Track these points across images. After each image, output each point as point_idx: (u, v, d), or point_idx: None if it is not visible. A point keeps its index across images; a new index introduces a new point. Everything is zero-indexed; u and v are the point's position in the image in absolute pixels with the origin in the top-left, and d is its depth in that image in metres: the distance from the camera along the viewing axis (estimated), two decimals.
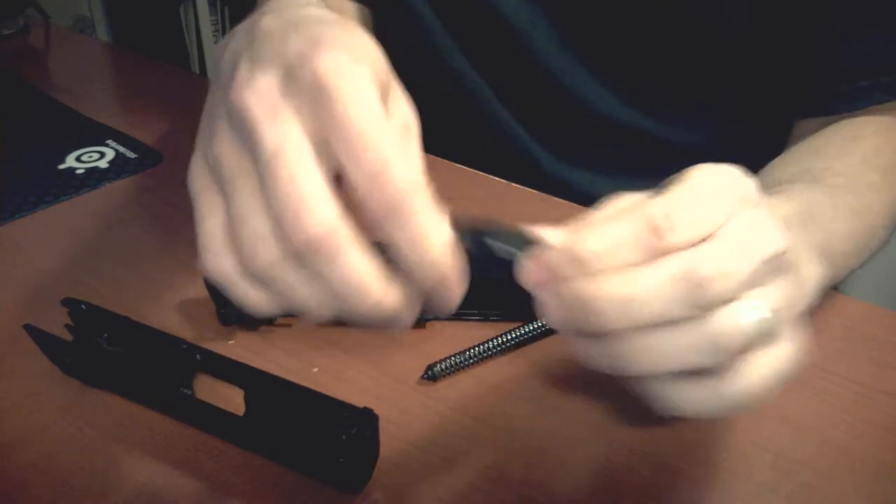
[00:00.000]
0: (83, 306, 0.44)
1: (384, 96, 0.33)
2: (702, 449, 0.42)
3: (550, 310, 0.33)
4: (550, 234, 0.34)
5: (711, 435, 0.44)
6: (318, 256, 0.31)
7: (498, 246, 0.34)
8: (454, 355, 0.47)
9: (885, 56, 0.59)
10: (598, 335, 0.32)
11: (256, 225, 0.32)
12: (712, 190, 0.32)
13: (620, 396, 0.46)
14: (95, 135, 0.74)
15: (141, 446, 0.42)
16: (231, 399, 0.40)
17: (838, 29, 0.60)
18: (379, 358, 0.48)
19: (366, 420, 0.38)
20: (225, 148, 0.33)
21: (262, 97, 0.32)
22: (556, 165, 0.72)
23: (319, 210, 0.31)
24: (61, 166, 0.68)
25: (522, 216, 0.61)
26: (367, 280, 0.32)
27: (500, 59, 0.68)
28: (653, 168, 0.73)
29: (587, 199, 0.68)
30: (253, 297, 0.34)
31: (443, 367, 0.46)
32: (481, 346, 0.47)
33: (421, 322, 0.50)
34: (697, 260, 0.30)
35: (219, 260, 0.34)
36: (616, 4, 0.63)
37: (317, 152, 0.32)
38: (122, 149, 0.71)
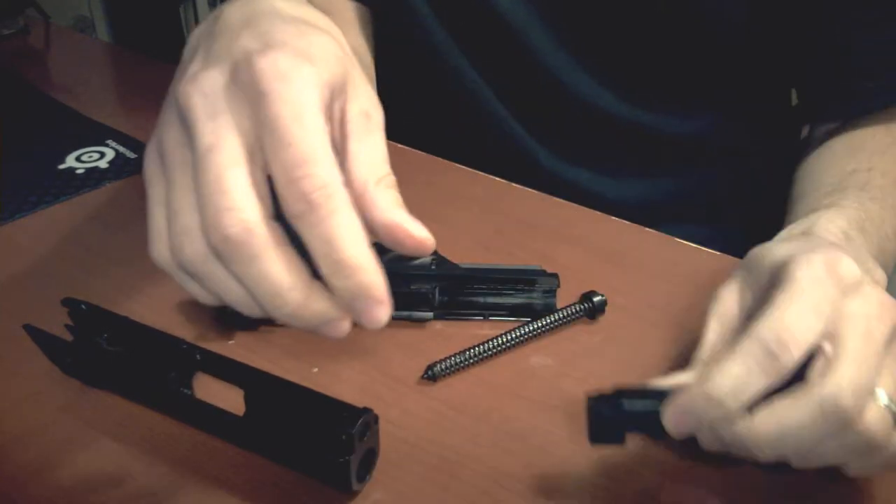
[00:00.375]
0: (83, 306, 0.44)
1: (336, 91, 0.34)
2: (701, 449, 0.42)
3: (709, 444, 0.37)
4: (680, 380, 0.38)
5: None
6: (235, 256, 0.31)
7: (636, 404, 0.37)
8: (454, 355, 0.47)
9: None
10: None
11: (186, 219, 0.32)
12: (813, 295, 0.35)
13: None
14: (95, 135, 0.74)
15: (141, 446, 0.42)
16: (231, 399, 0.40)
17: (850, 27, 0.60)
18: (379, 358, 0.48)
19: (366, 420, 0.38)
20: (170, 139, 0.33)
21: (206, 94, 0.32)
22: (556, 163, 0.72)
23: (239, 210, 0.31)
24: (61, 166, 0.68)
25: (523, 216, 0.61)
26: (283, 285, 0.32)
27: (497, 58, 0.68)
28: (652, 162, 0.73)
29: (587, 196, 0.69)
30: (192, 288, 0.35)
31: (443, 366, 0.46)
32: (481, 346, 0.47)
33: (420, 322, 0.51)
34: (835, 391, 0.33)
35: (161, 249, 0.34)
36: (612, 3, 0.63)
37: (249, 152, 0.32)
38: (122, 149, 0.71)
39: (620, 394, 0.38)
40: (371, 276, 0.32)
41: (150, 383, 0.43)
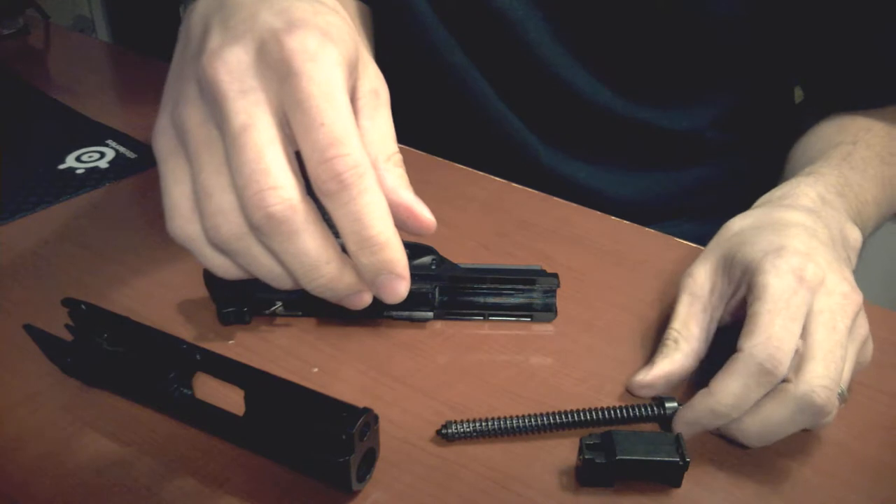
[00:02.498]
0: (83, 306, 0.44)
1: (352, 70, 0.34)
2: (702, 450, 0.42)
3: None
4: (663, 369, 0.45)
5: (711, 436, 0.44)
6: (277, 233, 0.32)
7: (628, 453, 0.39)
8: (472, 422, 0.43)
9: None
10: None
11: (221, 199, 0.33)
12: (789, 306, 0.41)
13: (620, 399, 0.46)
14: (95, 135, 0.74)
15: (141, 446, 0.42)
16: (231, 399, 0.40)
17: (864, 26, 0.61)
18: (379, 358, 0.48)
19: (366, 420, 0.38)
20: (193, 117, 0.33)
21: (233, 71, 0.32)
22: (555, 158, 0.72)
23: (282, 188, 0.32)
24: (61, 166, 0.68)
25: (523, 216, 0.61)
26: (321, 260, 0.33)
27: (496, 54, 0.68)
28: (651, 158, 0.73)
29: (586, 192, 0.69)
30: (218, 263, 0.36)
31: (458, 429, 0.42)
32: (503, 422, 0.43)
33: (420, 322, 0.51)
34: (808, 390, 0.39)
35: (186, 226, 0.35)
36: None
37: (282, 130, 0.32)
38: (122, 149, 0.71)
39: (612, 440, 0.39)
40: (395, 252, 0.33)
41: (150, 383, 0.43)
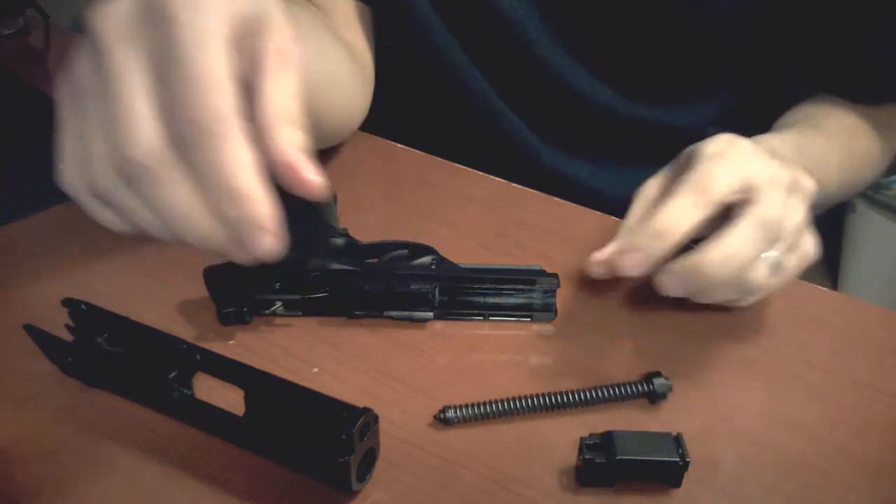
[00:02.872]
0: (83, 306, 0.44)
1: (247, 24, 0.33)
2: (702, 449, 0.42)
3: (669, 284, 0.45)
4: (612, 247, 0.46)
5: (711, 435, 0.44)
6: (141, 182, 0.32)
7: (629, 453, 0.39)
8: (469, 406, 0.44)
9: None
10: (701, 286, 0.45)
11: (96, 145, 0.33)
12: (723, 156, 0.45)
13: (620, 398, 0.46)
14: None
15: (141, 446, 0.42)
16: (231, 399, 0.40)
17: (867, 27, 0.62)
18: (379, 358, 0.48)
19: (366, 420, 0.38)
20: (81, 66, 0.34)
21: (116, 21, 0.32)
22: (557, 158, 0.72)
23: (143, 134, 0.31)
24: None
25: (523, 216, 0.61)
26: (192, 212, 0.32)
27: (497, 54, 0.68)
28: (652, 157, 0.73)
29: (587, 191, 0.69)
30: (105, 217, 0.36)
31: (456, 413, 0.44)
32: (502, 404, 0.44)
33: (420, 322, 0.51)
34: (762, 209, 0.44)
35: (73, 178, 0.35)
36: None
37: (159, 79, 0.32)
38: None
39: (612, 440, 0.39)
40: (258, 205, 0.32)
41: (150, 383, 0.43)
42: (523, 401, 0.44)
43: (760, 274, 0.45)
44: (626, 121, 0.69)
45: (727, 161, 0.45)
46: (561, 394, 0.44)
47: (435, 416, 0.43)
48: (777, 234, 0.45)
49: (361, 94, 0.67)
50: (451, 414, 0.43)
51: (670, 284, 0.45)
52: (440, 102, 0.73)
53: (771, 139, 0.57)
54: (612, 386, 0.45)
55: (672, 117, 0.69)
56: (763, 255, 0.45)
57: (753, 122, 0.73)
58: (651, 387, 0.45)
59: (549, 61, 0.67)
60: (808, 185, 0.50)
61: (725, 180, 0.44)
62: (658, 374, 0.45)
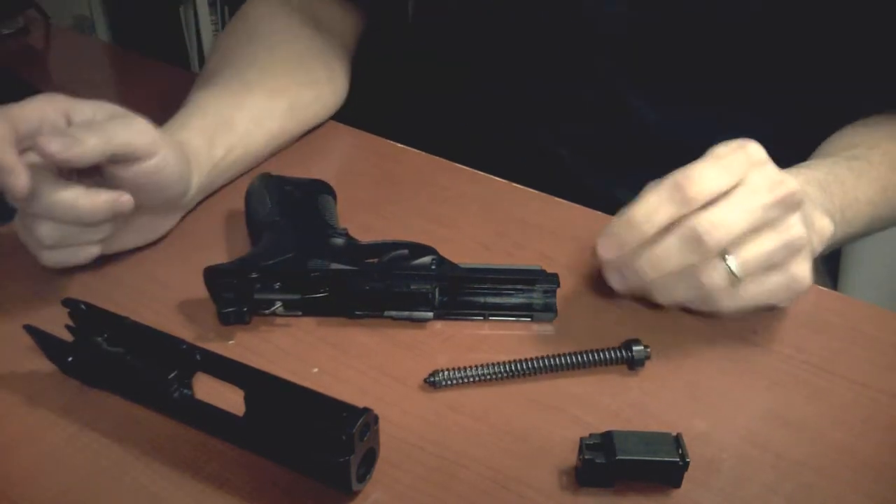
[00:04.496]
0: (83, 306, 0.44)
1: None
2: (702, 450, 0.42)
3: (613, 280, 0.49)
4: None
5: (712, 435, 0.44)
6: None
7: (629, 453, 0.40)
8: (458, 369, 0.46)
9: None
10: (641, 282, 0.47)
11: None
12: (720, 160, 0.45)
13: (620, 399, 0.46)
14: None
15: (141, 446, 0.42)
16: (231, 399, 0.40)
17: None
18: (379, 358, 0.48)
19: (366, 420, 0.38)
20: None
21: None
22: (600, 182, 0.71)
23: None
24: None
25: (523, 216, 0.61)
26: None
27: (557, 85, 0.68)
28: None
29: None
30: None
31: (446, 376, 0.46)
32: (491, 367, 0.46)
33: (420, 322, 0.51)
34: (698, 219, 0.43)
35: None
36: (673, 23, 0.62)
37: None
38: None
39: (612, 440, 0.40)
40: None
41: (150, 383, 0.43)
42: (510, 365, 0.46)
43: (714, 277, 0.45)
44: (673, 143, 0.67)
45: (722, 164, 0.45)
46: (545, 358, 0.46)
47: (425, 380, 0.45)
48: (738, 236, 0.44)
49: (336, 96, 0.72)
50: (440, 377, 0.45)
51: (605, 251, 0.47)
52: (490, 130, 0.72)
53: (795, 177, 0.50)
54: (594, 351, 0.47)
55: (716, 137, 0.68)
56: (726, 257, 0.44)
57: (803, 147, 0.71)
58: (630, 353, 0.46)
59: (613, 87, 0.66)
60: (824, 228, 0.49)
61: (708, 183, 0.44)
62: (637, 342, 0.46)
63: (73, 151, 0.46)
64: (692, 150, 0.68)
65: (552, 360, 0.46)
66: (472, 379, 0.46)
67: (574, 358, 0.46)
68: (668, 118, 0.67)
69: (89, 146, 0.46)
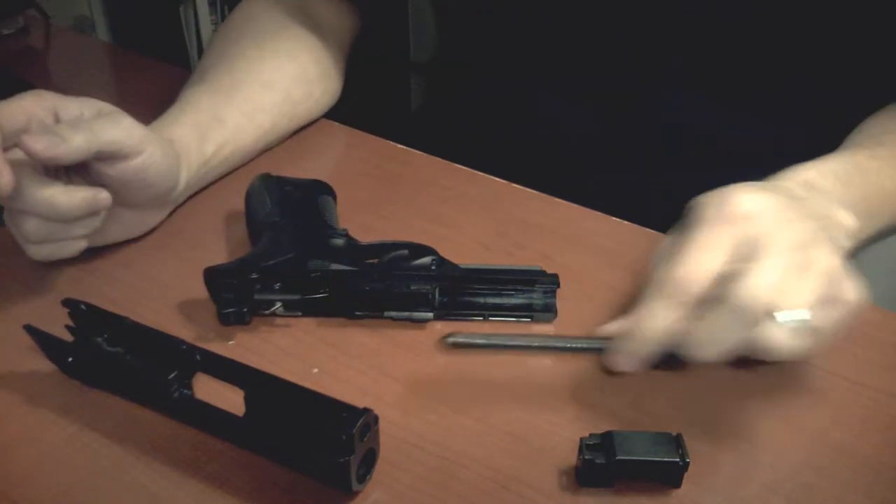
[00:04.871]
0: (83, 306, 0.44)
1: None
2: (703, 450, 0.42)
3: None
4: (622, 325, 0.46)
5: (712, 436, 0.44)
6: None
7: (628, 453, 0.40)
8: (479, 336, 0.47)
9: None
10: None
11: None
12: (704, 234, 0.42)
13: (620, 399, 0.46)
14: None
15: (141, 446, 0.42)
16: (231, 399, 0.40)
17: None
18: (379, 358, 0.48)
19: (366, 420, 0.38)
20: None
21: None
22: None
23: None
24: None
25: (523, 216, 0.61)
26: None
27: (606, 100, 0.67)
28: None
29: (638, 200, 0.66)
30: None
31: (463, 339, 0.47)
32: (512, 340, 0.48)
33: (420, 322, 0.51)
34: (736, 291, 0.40)
35: None
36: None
37: None
38: None
39: (612, 440, 0.39)
40: None
41: (150, 384, 0.43)
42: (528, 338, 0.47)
43: (776, 335, 0.41)
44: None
45: (705, 242, 0.42)
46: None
47: (443, 339, 0.46)
48: (770, 304, 0.41)
49: (328, 95, 0.72)
50: (460, 339, 0.45)
51: (622, 367, 0.46)
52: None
53: (806, 171, 0.51)
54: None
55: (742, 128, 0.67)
56: (779, 317, 0.41)
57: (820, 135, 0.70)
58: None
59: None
60: (844, 221, 0.47)
61: (700, 275, 0.41)
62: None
63: (59, 150, 0.46)
64: (701, 146, 0.67)
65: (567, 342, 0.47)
66: (490, 346, 0.47)
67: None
68: (676, 116, 0.67)
69: (74, 145, 0.47)
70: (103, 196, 0.49)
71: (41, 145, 0.46)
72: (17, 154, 0.47)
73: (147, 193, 0.54)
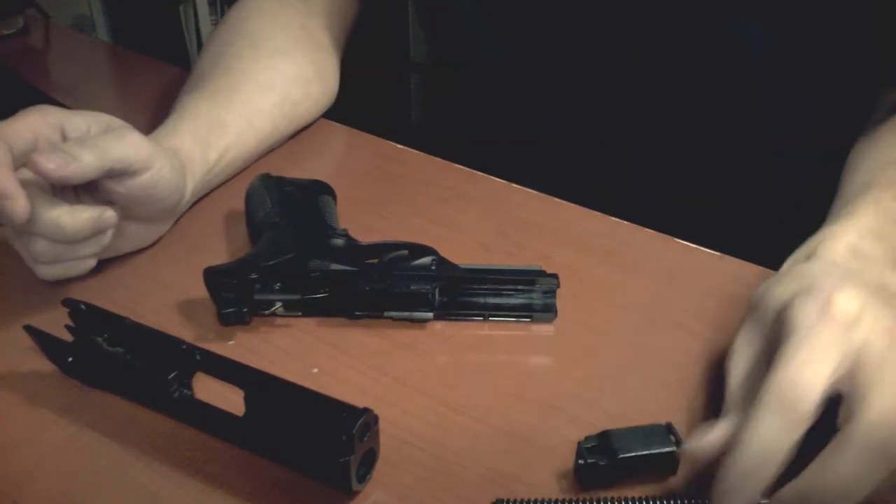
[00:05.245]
0: (83, 306, 0.44)
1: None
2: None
3: None
4: (716, 435, 0.38)
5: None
6: None
7: (629, 450, 0.39)
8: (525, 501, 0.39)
9: None
10: None
11: None
12: (812, 342, 0.36)
13: (620, 399, 0.46)
14: None
15: (141, 447, 0.42)
16: (231, 399, 0.40)
17: None
18: (379, 358, 0.48)
19: (366, 420, 0.38)
20: None
21: None
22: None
23: None
24: None
25: (523, 216, 0.61)
26: None
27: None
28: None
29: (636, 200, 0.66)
30: None
31: None
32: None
33: (420, 322, 0.51)
34: (867, 423, 0.34)
35: None
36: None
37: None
38: None
39: (610, 440, 0.39)
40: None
41: (150, 384, 0.43)
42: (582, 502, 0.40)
43: None
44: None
45: (814, 351, 0.36)
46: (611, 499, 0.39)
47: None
48: None
49: (326, 95, 0.72)
50: None
51: None
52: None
53: (846, 236, 0.47)
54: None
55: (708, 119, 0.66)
56: None
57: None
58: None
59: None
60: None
61: (817, 380, 0.35)
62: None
63: (70, 169, 0.45)
64: (703, 135, 0.64)
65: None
66: None
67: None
68: (677, 115, 0.67)
69: (85, 163, 0.46)
70: (109, 215, 0.49)
71: (52, 165, 0.45)
72: (24, 174, 0.47)
73: (155, 208, 0.54)
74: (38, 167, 0.45)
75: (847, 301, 0.38)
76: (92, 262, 0.52)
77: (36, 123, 0.49)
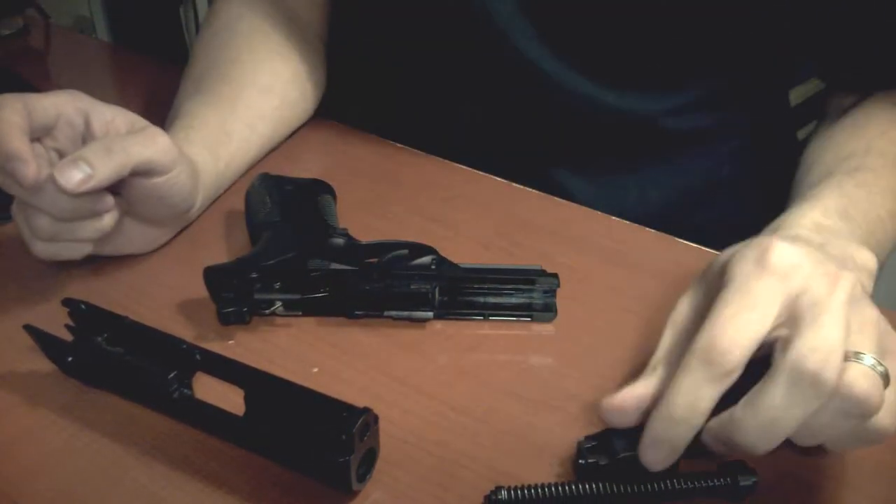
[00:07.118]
0: (83, 306, 0.44)
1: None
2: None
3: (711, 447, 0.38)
4: (636, 391, 0.39)
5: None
6: None
7: (629, 449, 0.38)
8: (524, 488, 0.39)
9: None
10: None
11: None
12: (747, 293, 0.37)
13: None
14: None
15: (141, 446, 0.42)
16: (231, 399, 0.40)
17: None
18: (379, 358, 0.48)
19: (366, 420, 0.38)
20: None
21: None
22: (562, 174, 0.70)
23: None
24: None
25: (523, 216, 0.61)
26: None
27: (481, 55, 0.66)
28: (623, 150, 0.70)
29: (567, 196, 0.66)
30: None
31: (508, 494, 0.39)
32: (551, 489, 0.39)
33: (420, 322, 0.51)
34: (796, 357, 0.34)
35: None
36: None
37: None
38: None
39: (610, 439, 0.39)
40: (14, 143, 0.45)
41: (150, 383, 0.43)
42: (581, 486, 0.39)
43: (884, 420, 0.35)
44: (596, 110, 0.65)
45: (747, 305, 0.36)
46: (627, 484, 0.39)
47: (486, 497, 0.40)
48: (842, 349, 0.35)
49: (319, 88, 0.73)
50: (503, 495, 0.39)
51: (656, 463, 0.38)
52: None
53: (811, 212, 0.47)
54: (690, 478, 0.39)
55: (643, 104, 0.66)
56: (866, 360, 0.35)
57: (734, 109, 0.70)
58: (735, 481, 0.39)
59: (534, 61, 0.64)
60: (868, 263, 0.43)
61: (742, 341, 0.35)
62: (744, 468, 0.39)
63: (89, 185, 0.46)
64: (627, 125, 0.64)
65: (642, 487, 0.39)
66: (537, 500, 0.39)
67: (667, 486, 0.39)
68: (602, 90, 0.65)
69: (104, 176, 0.46)
70: (107, 199, 0.49)
71: (72, 185, 0.45)
72: (37, 150, 0.47)
73: (164, 211, 0.54)
74: (58, 184, 0.45)
75: (784, 251, 0.38)
76: (87, 248, 0.51)
77: (63, 104, 0.49)
